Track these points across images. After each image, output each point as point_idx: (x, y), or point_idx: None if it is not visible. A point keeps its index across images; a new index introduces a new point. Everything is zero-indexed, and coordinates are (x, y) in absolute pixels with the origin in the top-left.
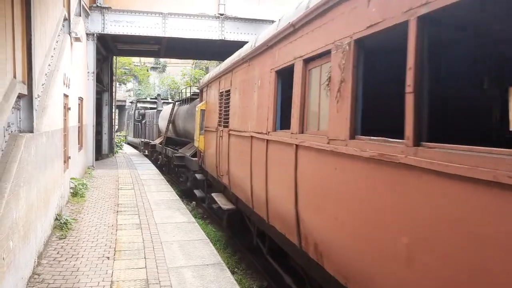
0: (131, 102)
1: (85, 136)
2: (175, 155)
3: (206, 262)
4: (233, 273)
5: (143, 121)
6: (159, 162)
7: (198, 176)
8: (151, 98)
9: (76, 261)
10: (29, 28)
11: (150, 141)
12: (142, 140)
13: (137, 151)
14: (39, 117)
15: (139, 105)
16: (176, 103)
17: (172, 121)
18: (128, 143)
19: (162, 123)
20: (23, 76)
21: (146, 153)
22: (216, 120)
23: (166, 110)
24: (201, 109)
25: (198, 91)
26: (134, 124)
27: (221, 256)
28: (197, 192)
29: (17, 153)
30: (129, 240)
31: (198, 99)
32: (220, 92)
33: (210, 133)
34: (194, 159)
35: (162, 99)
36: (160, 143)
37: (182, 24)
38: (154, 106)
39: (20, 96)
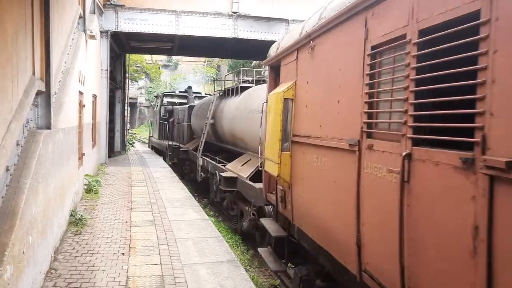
0: (156, 97)
1: (98, 133)
2: (223, 175)
3: (220, 259)
4: (246, 270)
5: (171, 120)
6: (197, 177)
7: (269, 226)
8: (180, 92)
9: (92, 256)
10: (47, 26)
11: (181, 146)
12: (170, 143)
13: (155, 155)
14: (56, 114)
15: (165, 99)
16: (217, 95)
17: (212, 120)
18: (152, 147)
19: (197, 122)
20: (41, 73)
21: (175, 160)
22: (351, 118)
23: (202, 105)
24: (284, 99)
25: (258, 75)
26: (159, 123)
27: (234, 253)
28: (268, 258)
29: (36, 149)
30: (143, 237)
31: (255, 86)
32: (376, 46)
33: (316, 150)
34: (256, 186)
35: (194, 92)
36: (195, 150)
37: (195, 22)
38: (184, 101)
39: (38, 93)
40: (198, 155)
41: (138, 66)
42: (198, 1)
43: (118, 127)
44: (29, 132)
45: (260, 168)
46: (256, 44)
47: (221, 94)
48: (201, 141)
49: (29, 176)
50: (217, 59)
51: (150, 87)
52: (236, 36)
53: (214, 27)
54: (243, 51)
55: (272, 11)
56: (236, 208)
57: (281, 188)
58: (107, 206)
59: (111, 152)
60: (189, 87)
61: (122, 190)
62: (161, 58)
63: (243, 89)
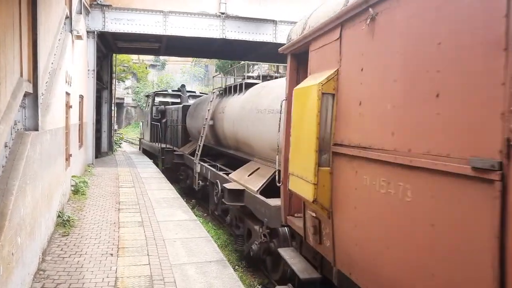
0: (147, 96)
1: (85, 134)
2: (227, 186)
3: (209, 259)
4: (234, 270)
5: (163, 121)
6: (194, 185)
7: (293, 261)
8: (173, 90)
9: (80, 257)
10: (35, 27)
11: (175, 149)
12: (163, 146)
13: (142, 155)
14: (43, 115)
15: (157, 99)
16: (216, 93)
17: (211, 122)
18: (144, 150)
19: (193, 123)
20: (28, 75)
21: (169, 165)
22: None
23: (199, 105)
24: (321, 94)
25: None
26: (151, 124)
27: (222, 253)
28: None
29: (24, 151)
30: (131, 238)
31: (263, 82)
32: None
33: (383, 169)
34: (270, 202)
35: (188, 91)
36: (192, 154)
37: (183, 22)
38: (177, 100)
39: (25, 95)
40: (196, 161)
41: (125, 66)
42: (186, 2)
43: (105, 127)
44: (17, 133)
45: (278, 184)
46: (244, 45)
47: (221, 92)
48: (199, 145)
49: (17, 177)
50: (205, 59)
51: (137, 87)
52: (224, 37)
53: (202, 27)
54: (231, 52)
55: (259, 12)
56: (242, 226)
57: (313, 215)
58: (94, 207)
59: (98, 152)
60: (183, 86)
61: (109, 191)
62: (148, 58)
63: (249, 85)
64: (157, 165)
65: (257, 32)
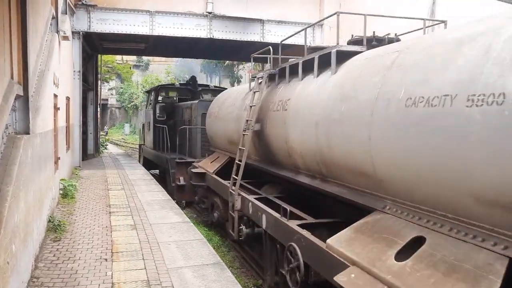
0: (148, 92)
1: (72, 136)
2: (342, 283)
3: (205, 262)
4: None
5: (170, 122)
6: (229, 229)
7: None
8: (181, 84)
9: (74, 263)
10: (24, 28)
11: (190, 160)
12: (172, 157)
13: (129, 157)
14: (34, 118)
15: (161, 95)
16: (264, 77)
17: (257, 126)
18: (145, 161)
19: (217, 126)
20: (19, 77)
21: (182, 182)
22: None
23: (228, 99)
24: None
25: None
26: (154, 127)
27: (219, 256)
28: None
29: (16, 155)
30: (125, 241)
31: (392, 45)
32: None
33: None
34: None
35: (199, 85)
36: (220, 174)
37: (170, 22)
38: (187, 96)
39: (16, 97)
40: (234, 191)
41: (109, 67)
42: (172, 1)
43: (91, 129)
44: (8, 137)
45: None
46: (231, 45)
47: (273, 73)
48: (237, 162)
49: (11, 183)
50: (190, 59)
51: (121, 87)
52: (211, 37)
53: (189, 27)
54: (218, 52)
55: (247, 11)
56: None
57: None
58: (85, 210)
59: (84, 155)
60: (193, 78)
61: (99, 194)
62: (132, 58)
63: (346, 56)
64: (164, 182)
65: (245, 32)
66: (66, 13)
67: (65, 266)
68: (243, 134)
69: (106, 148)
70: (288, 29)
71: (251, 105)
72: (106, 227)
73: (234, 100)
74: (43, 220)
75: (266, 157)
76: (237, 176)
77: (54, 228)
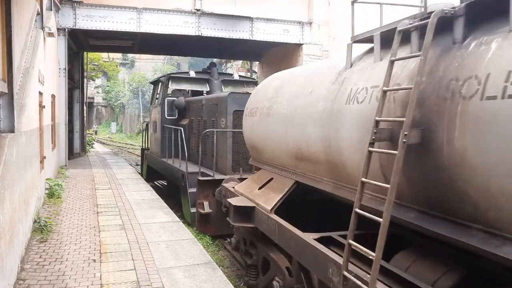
0: (154, 83)
1: (57, 135)
2: None
3: (196, 262)
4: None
5: (184, 122)
6: None
7: None
8: (196, 72)
9: (61, 265)
10: (9, 24)
11: (224, 181)
12: (191, 171)
13: (117, 156)
14: (19, 116)
15: (172, 86)
16: (414, 30)
17: (417, 135)
18: (149, 170)
19: (278, 131)
20: (3, 74)
21: (206, 209)
22: None
23: (292, 85)
24: None
25: None
26: (162, 128)
27: (209, 255)
28: None
29: (2, 154)
30: (114, 242)
31: None
32: None
33: None
34: None
35: (221, 73)
36: (281, 212)
37: (158, 19)
38: (204, 88)
39: (0, 95)
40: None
41: (95, 65)
42: None
43: (77, 127)
44: None
45: None
46: (220, 42)
47: (452, 14)
48: (380, 226)
49: None
50: (176, 57)
51: (107, 86)
52: (200, 34)
53: (177, 24)
54: (207, 49)
55: (235, 9)
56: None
57: None
58: (72, 210)
59: (71, 154)
60: (213, 64)
61: (86, 193)
62: (118, 56)
63: None
64: (174, 198)
65: (234, 29)
66: (51, 9)
67: (52, 268)
68: (369, 152)
69: (92, 147)
70: (277, 27)
71: (386, 89)
72: (94, 227)
73: (312, 85)
74: (29, 221)
75: (447, 208)
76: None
77: (40, 228)
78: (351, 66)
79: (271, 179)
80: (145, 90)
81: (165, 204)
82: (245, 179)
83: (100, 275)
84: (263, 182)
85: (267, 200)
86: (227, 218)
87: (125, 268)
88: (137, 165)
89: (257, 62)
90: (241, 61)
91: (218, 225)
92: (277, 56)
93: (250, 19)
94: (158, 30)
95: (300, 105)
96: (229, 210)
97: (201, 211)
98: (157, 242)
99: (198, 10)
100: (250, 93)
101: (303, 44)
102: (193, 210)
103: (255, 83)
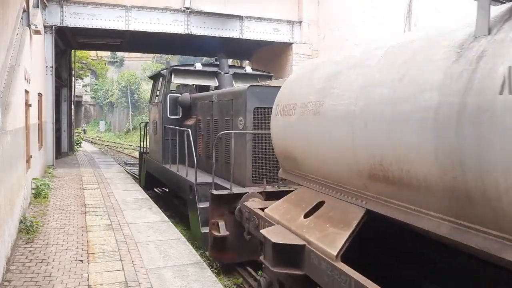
0: (154, 77)
1: (44, 134)
2: None
3: (185, 262)
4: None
5: (190, 123)
6: None
7: None
8: (203, 64)
9: (47, 265)
10: None
11: (245, 196)
12: (201, 182)
13: (105, 154)
14: (4, 115)
15: (175, 80)
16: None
17: None
18: (148, 177)
19: (334, 135)
20: None
21: (222, 231)
22: None
23: (366, 68)
24: None
25: None
26: (164, 129)
27: (199, 255)
28: None
29: None
30: (101, 242)
31: None
32: None
33: None
34: None
35: (232, 66)
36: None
37: (147, 17)
38: (212, 83)
39: None
40: None
41: (83, 63)
42: None
43: (64, 126)
44: None
45: None
46: (210, 41)
47: None
48: None
49: None
50: (166, 55)
51: (96, 84)
52: (189, 32)
53: (166, 22)
54: (196, 48)
55: (225, 7)
56: None
57: None
58: (59, 210)
59: (58, 153)
60: (222, 56)
61: (73, 193)
62: (106, 55)
63: None
64: (175, 211)
65: (223, 28)
66: (37, 7)
67: (39, 269)
68: None
69: (81, 146)
70: (267, 26)
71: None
72: (81, 227)
73: (404, 67)
74: (14, 221)
75: None
76: None
77: (27, 229)
78: (488, 32)
79: (322, 202)
80: (133, 88)
81: (154, 204)
82: (271, 193)
83: (88, 275)
84: (309, 206)
85: (324, 238)
86: (260, 259)
87: (113, 268)
88: (135, 176)
89: (247, 61)
90: (231, 59)
91: (234, 251)
92: (267, 55)
93: (240, 18)
94: (147, 28)
95: (383, 98)
96: (264, 248)
97: (216, 233)
98: (146, 242)
99: (187, 8)
100: (274, 87)
101: (293, 43)
102: (204, 230)
103: (270, 78)
